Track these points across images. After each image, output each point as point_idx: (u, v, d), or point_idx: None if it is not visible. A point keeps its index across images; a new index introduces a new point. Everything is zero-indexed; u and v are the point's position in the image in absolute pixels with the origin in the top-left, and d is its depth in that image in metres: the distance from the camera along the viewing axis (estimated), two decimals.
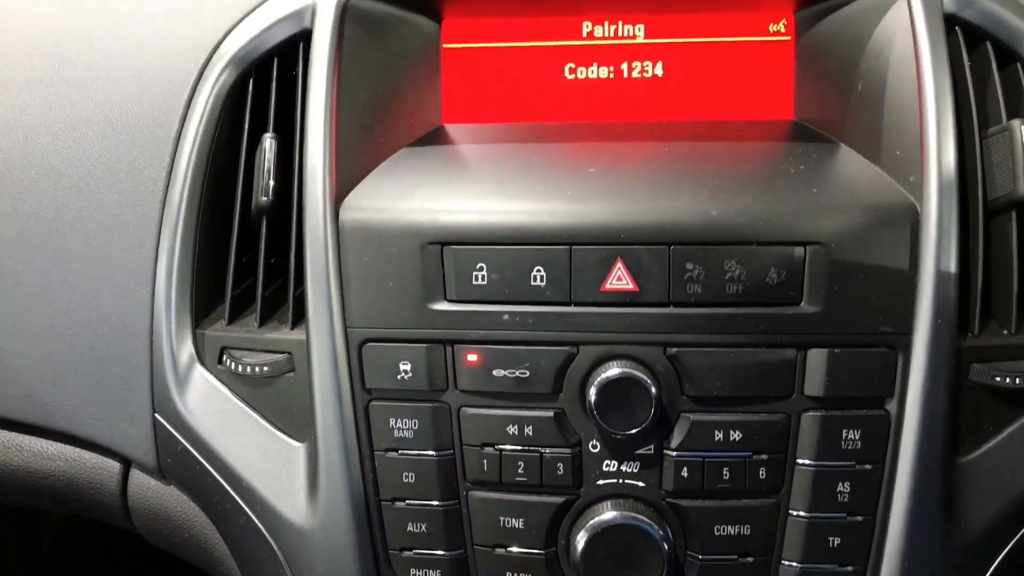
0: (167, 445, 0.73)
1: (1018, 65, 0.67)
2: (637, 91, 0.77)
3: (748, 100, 0.76)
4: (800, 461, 0.64)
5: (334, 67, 0.69)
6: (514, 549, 0.66)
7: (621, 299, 0.63)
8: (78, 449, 0.78)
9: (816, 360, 0.63)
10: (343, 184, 0.67)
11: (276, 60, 0.73)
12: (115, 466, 0.77)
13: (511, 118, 0.78)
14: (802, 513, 0.64)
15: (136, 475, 0.77)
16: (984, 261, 0.65)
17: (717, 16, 0.76)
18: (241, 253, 0.73)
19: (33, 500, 0.84)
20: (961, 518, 0.64)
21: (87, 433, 0.75)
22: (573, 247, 0.63)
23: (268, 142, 0.70)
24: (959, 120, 0.64)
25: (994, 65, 0.67)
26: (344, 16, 0.70)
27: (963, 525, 0.64)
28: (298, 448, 0.70)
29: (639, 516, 0.63)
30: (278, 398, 0.71)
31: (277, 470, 0.70)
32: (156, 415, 0.73)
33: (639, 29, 0.77)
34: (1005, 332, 0.64)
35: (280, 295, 0.73)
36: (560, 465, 0.65)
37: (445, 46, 0.78)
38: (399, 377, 0.66)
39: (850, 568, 0.64)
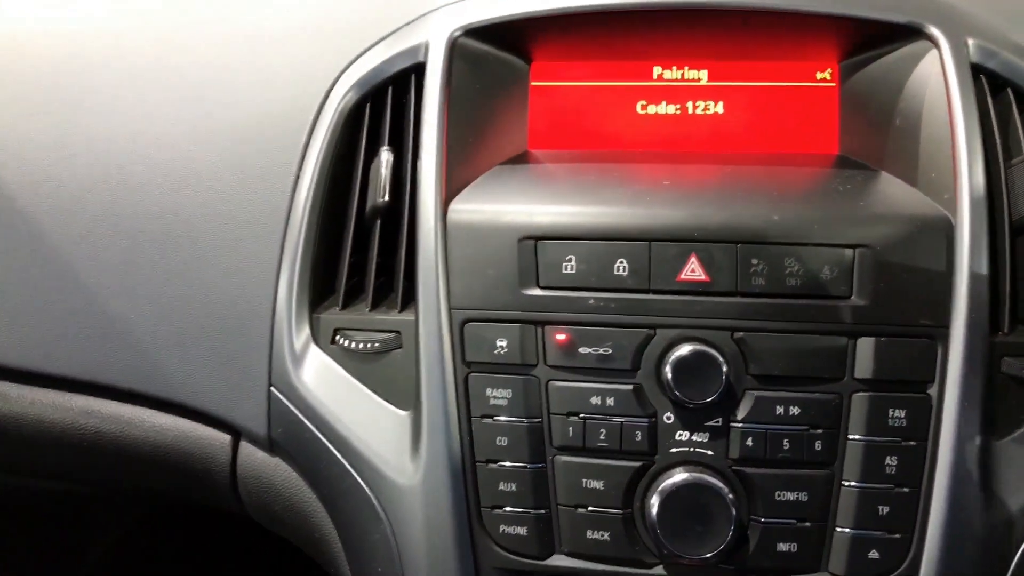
0: (280, 416, 0.82)
1: None
2: (700, 126, 0.88)
3: (798, 136, 0.87)
4: (851, 436, 0.72)
5: (444, 94, 0.81)
6: (594, 508, 0.73)
7: (694, 288, 0.73)
8: (192, 422, 0.87)
9: (865, 347, 0.72)
10: (449, 191, 0.79)
11: (391, 87, 0.85)
12: (226, 438, 0.86)
13: (588, 146, 0.89)
14: (853, 483, 0.71)
15: (244, 447, 0.86)
16: (1011, 271, 0.74)
17: (771, 64, 0.88)
18: (353, 251, 0.84)
19: (146, 476, 0.92)
20: (999, 493, 0.71)
21: (205, 405, 0.84)
22: (652, 243, 0.73)
23: (385, 155, 0.82)
24: (986, 153, 0.75)
25: (1015, 108, 0.78)
26: (452, 53, 0.83)
27: (1001, 499, 0.71)
28: (402, 416, 0.78)
29: (710, 477, 0.71)
30: (384, 373, 0.80)
31: (382, 436, 0.78)
32: (272, 389, 0.82)
33: (703, 74, 0.89)
34: None
35: (384, 289, 0.83)
36: (637, 433, 0.73)
37: (533, 83, 0.90)
38: (495, 352, 0.75)
39: (898, 535, 0.71)
